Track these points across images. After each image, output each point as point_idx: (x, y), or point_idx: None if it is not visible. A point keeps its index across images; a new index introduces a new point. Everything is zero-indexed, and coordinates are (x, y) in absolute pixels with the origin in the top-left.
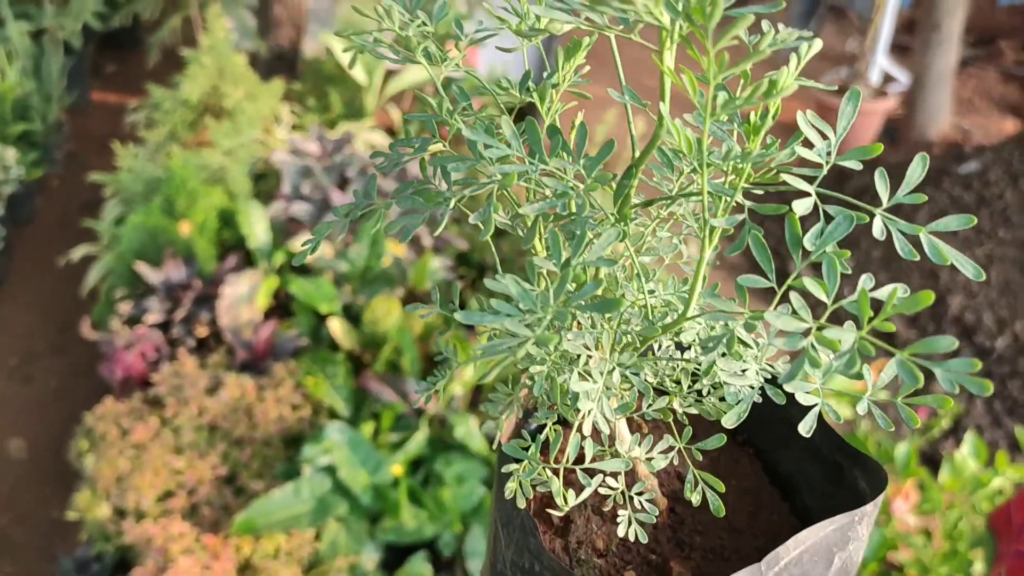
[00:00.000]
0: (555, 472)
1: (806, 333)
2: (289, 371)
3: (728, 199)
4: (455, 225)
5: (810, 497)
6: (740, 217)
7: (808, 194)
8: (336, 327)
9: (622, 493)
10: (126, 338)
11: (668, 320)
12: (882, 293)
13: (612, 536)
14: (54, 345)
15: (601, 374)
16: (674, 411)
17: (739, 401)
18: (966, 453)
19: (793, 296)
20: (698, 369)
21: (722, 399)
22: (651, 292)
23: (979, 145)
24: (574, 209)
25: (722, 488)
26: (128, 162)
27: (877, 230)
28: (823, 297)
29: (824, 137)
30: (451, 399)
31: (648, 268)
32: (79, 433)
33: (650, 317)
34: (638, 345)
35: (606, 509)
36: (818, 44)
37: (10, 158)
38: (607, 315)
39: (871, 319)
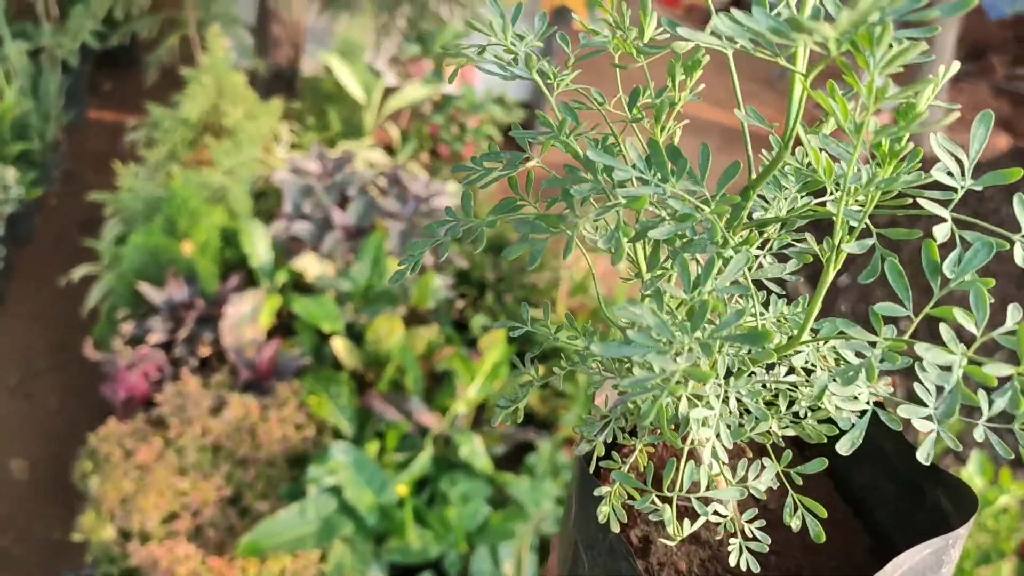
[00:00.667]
0: (666, 500)
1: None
2: (293, 390)
3: (857, 223)
4: (455, 244)
5: (885, 516)
6: (870, 242)
7: (943, 219)
8: (339, 346)
9: (731, 520)
10: (128, 358)
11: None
12: None
13: (693, 557)
14: (54, 364)
15: (718, 399)
16: (772, 433)
17: (852, 426)
18: (972, 471)
19: (943, 328)
20: (800, 391)
21: (821, 421)
22: (761, 315)
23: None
24: (695, 233)
25: (824, 514)
26: (128, 181)
27: (1020, 257)
28: (971, 328)
29: (957, 161)
30: (455, 418)
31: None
32: (83, 454)
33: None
34: (750, 368)
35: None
36: (956, 66)
37: (9, 178)
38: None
39: None
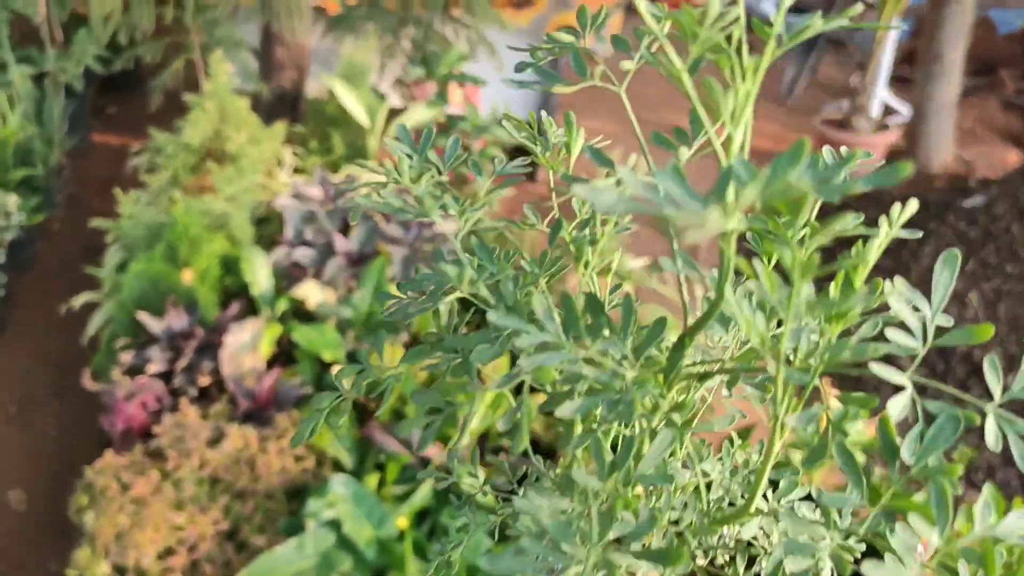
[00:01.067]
0: None
1: None
2: (292, 421)
3: (804, 389)
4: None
5: None
6: (815, 413)
7: (901, 388)
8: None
9: None
10: (127, 388)
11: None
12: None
13: None
14: (54, 392)
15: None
16: None
17: None
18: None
19: (899, 531)
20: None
21: None
22: (705, 476)
23: (984, 179)
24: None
25: None
26: (129, 208)
27: (991, 436)
28: (931, 537)
29: (916, 310)
30: (457, 450)
31: (699, 447)
32: (79, 488)
33: (705, 509)
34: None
35: None
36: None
37: (11, 204)
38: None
39: None
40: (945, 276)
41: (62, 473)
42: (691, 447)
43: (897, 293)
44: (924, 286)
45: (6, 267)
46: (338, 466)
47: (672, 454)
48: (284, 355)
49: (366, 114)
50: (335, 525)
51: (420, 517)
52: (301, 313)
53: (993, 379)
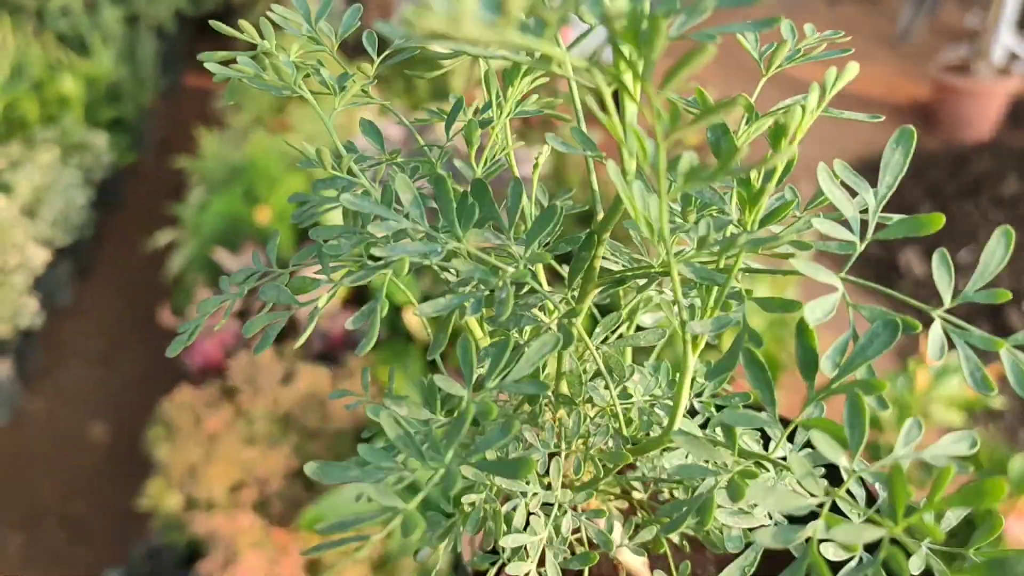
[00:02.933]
0: None
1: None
2: (365, 362)
3: (718, 291)
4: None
5: None
6: (732, 319)
7: (833, 288)
8: (412, 319)
9: None
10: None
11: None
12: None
13: None
14: (137, 331)
15: (547, 519)
16: (669, 540)
17: (747, 545)
18: None
19: (794, 459)
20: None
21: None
22: (627, 398)
23: None
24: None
25: None
26: (211, 148)
27: (934, 346)
28: (829, 455)
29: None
30: None
31: (623, 363)
32: (155, 420)
33: (623, 432)
34: (604, 470)
35: None
36: (855, 69)
37: (101, 144)
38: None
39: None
40: (896, 159)
41: (143, 409)
42: (611, 365)
43: (827, 174)
44: None
45: (96, 206)
46: None
47: (585, 371)
48: (358, 297)
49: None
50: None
51: None
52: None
53: (944, 280)
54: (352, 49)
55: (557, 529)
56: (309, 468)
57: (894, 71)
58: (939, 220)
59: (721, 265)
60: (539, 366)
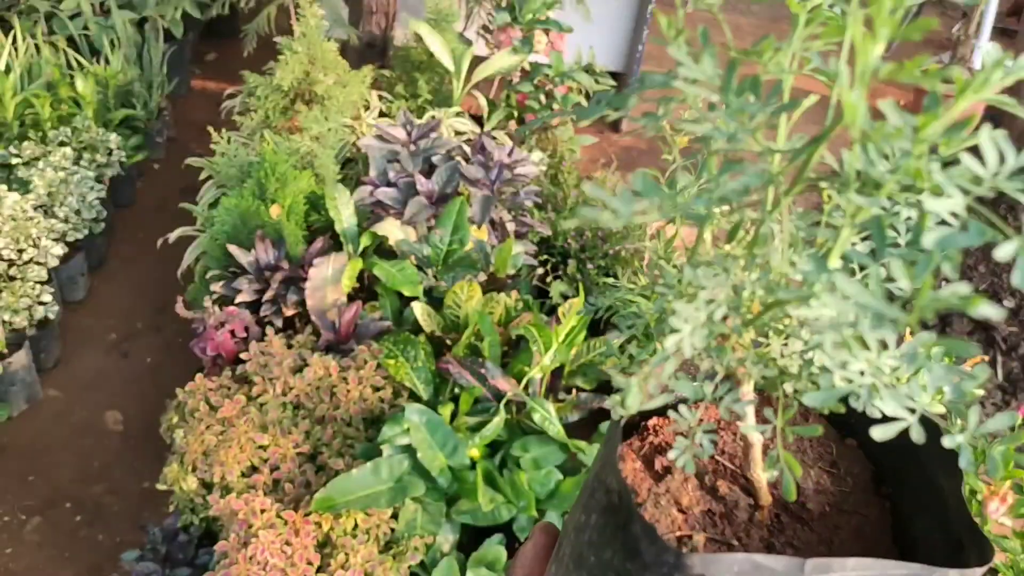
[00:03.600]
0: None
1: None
2: (372, 353)
3: (881, 188)
4: (539, 211)
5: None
6: (881, 202)
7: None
8: (418, 310)
9: (689, 425)
10: (217, 317)
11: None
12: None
13: (699, 502)
14: (151, 323)
15: (709, 303)
16: (786, 394)
17: (833, 389)
18: None
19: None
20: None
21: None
22: (792, 264)
23: None
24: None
25: (799, 472)
26: (223, 147)
27: (1005, 253)
28: (905, 285)
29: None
30: (530, 384)
31: (800, 243)
32: (171, 408)
33: (780, 283)
34: (756, 308)
35: (707, 480)
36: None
37: (113, 142)
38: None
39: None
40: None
41: (157, 398)
42: (792, 237)
43: (987, 135)
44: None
45: (108, 203)
46: (414, 397)
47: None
48: (365, 290)
49: (451, 59)
50: (410, 452)
51: (492, 448)
52: (382, 250)
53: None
54: (356, 52)
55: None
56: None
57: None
58: None
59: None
60: None
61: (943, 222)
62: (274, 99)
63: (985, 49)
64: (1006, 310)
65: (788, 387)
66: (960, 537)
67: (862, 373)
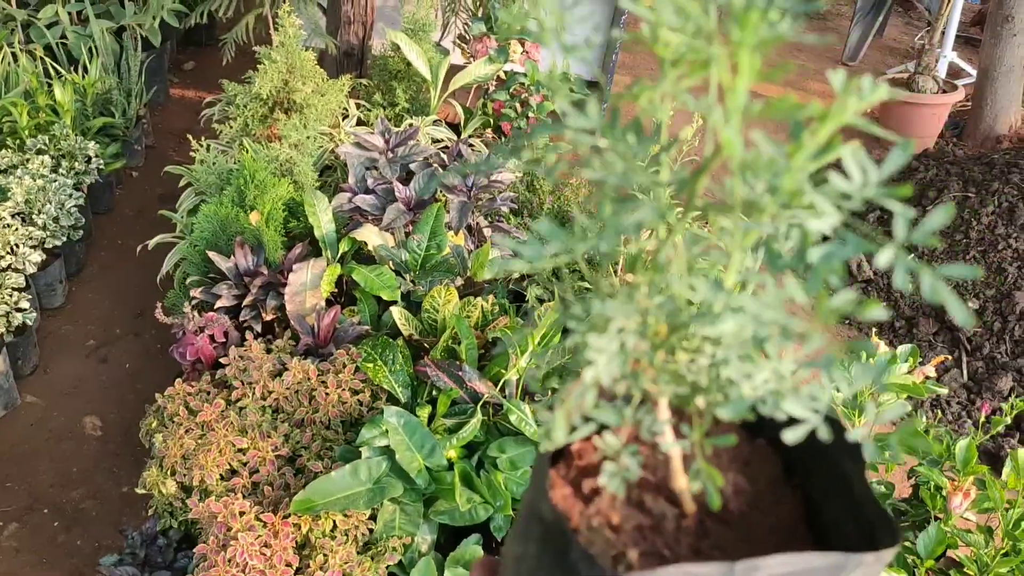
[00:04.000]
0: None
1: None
2: (350, 357)
3: (762, 212)
4: (514, 217)
5: (837, 543)
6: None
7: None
8: (397, 314)
9: (614, 449)
10: (197, 322)
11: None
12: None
13: (630, 518)
14: (128, 329)
15: (619, 332)
16: (700, 408)
17: (741, 400)
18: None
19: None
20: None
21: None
22: (691, 288)
23: None
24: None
25: (720, 482)
26: (202, 155)
27: (883, 261)
28: (799, 298)
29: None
30: (506, 385)
31: (695, 267)
32: (150, 412)
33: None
34: (666, 329)
35: (634, 496)
36: (883, 91)
37: (91, 150)
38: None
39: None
40: (896, 156)
41: (136, 403)
42: (687, 261)
43: (851, 154)
44: (985, 245)
45: (86, 210)
46: (393, 400)
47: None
48: (344, 295)
49: (428, 69)
50: (388, 454)
51: (469, 449)
52: (361, 256)
53: (902, 229)
54: (334, 61)
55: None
56: (496, 238)
57: None
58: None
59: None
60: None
61: (826, 238)
62: (253, 107)
63: (949, 58)
64: (971, 311)
65: (700, 401)
66: (871, 520)
67: (766, 381)
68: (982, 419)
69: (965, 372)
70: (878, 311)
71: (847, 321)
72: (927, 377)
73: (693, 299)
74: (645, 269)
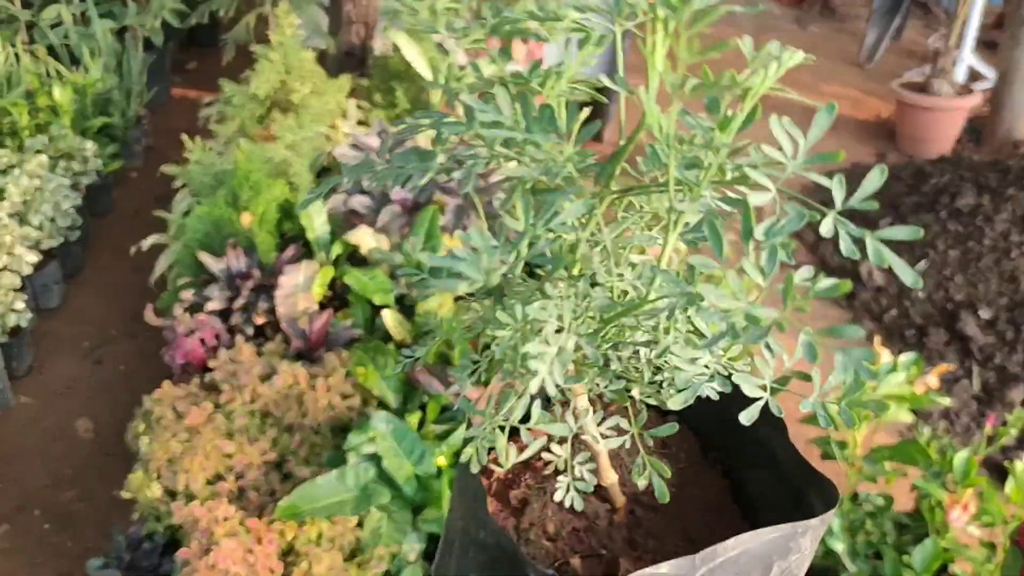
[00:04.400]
0: (502, 430)
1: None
2: (341, 361)
3: (695, 189)
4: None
5: (770, 518)
6: (706, 203)
7: (768, 189)
8: (389, 318)
9: (565, 461)
10: (187, 325)
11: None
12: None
13: (565, 524)
14: (124, 331)
15: (557, 334)
16: (633, 399)
17: (688, 387)
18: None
19: (731, 275)
20: (657, 358)
21: (681, 390)
22: (619, 276)
23: None
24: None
25: (668, 474)
26: (197, 155)
27: (825, 228)
28: (759, 280)
29: (795, 144)
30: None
31: (622, 255)
32: (137, 415)
33: (614, 299)
34: (600, 322)
35: (561, 499)
36: (799, 56)
37: (89, 150)
38: (566, 278)
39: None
40: (823, 119)
41: (129, 405)
42: (611, 251)
43: (780, 125)
44: (998, 252)
45: (84, 211)
46: (383, 406)
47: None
48: (337, 298)
49: (429, 69)
50: (376, 460)
51: (459, 457)
52: (355, 258)
53: (838, 192)
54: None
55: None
56: (422, 256)
57: (860, 89)
58: (840, 155)
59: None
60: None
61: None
62: (250, 108)
63: (967, 61)
64: (984, 321)
65: (636, 392)
66: (799, 486)
67: (707, 366)
68: (988, 431)
69: (976, 383)
70: (848, 287)
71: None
72: (929, 387)
73: (628, 288)
74: (575, 263)
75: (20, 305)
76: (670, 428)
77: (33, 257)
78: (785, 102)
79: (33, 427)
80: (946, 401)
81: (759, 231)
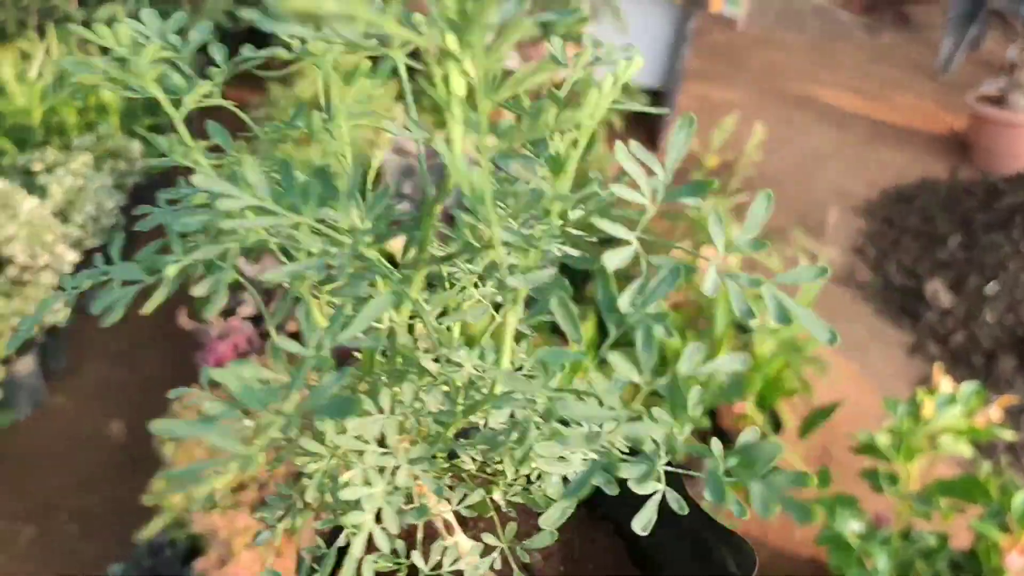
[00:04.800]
0: None
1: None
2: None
3: (535, 251)
4: None
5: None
6: (547, 274)
7: (628, 242)
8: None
9: None
10: (220, 329)
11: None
12: (712, 367)
13: None
14: (159, 334)
15: (383, 473)
16: (497, 505)
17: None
18: None
19: (597, 378)
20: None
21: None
22: (456, 366)
23: None
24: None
25: None
26: (237, 157)
27: (710, 285)
28: (634, 378)
29: (651, 174)
30: None
31: (452, 336)
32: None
33: (453, 396)
34: (437, 433)
35: None
36: (639, 62)
37: (135, 150)
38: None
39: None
40: (681, 138)
41: (159, 409)
42: (442, 339)
43: (627, 153)
44: None
45: (126, 211)
46: None
47: (418, 347)
48: None
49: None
50: None
51: None
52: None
53: (717, 231)
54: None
55: (393, 484)
56: (155, 426)
57: (933, 102)
58: (710, 184)
59: (537, 234)
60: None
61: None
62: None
63: None
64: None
65: (498, 497)
66: (700, 535)
67: (584, 458)
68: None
69: None
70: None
71: (913, 351)
72: (991, 420)
73: (471, 374)
74: (395, 356)
75: (58, 304)
76: (548, 538)
77: (73, 256)
78: (840, 113)
79: (66, 428)
80: (1008, 435)
81: (624, 302)
